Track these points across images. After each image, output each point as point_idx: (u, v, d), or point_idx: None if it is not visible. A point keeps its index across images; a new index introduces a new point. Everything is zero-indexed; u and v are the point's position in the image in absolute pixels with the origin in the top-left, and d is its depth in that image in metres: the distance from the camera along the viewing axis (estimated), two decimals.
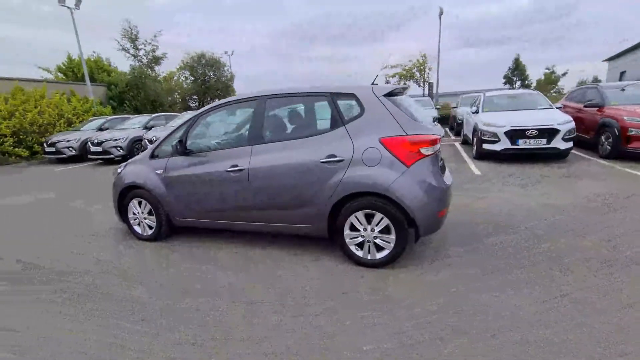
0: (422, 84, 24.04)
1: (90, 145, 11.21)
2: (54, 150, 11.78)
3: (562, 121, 6.84)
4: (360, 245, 2.95)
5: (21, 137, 12.91)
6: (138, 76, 18.77)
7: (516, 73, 36.17)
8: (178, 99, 25.34)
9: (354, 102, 2.94)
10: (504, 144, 7.00)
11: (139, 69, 19.23)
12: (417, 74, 23.88)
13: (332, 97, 3.00)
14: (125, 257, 3.54)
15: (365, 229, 2.88)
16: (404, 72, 23.92)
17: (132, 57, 19.81)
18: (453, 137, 12.64)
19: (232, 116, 3.52)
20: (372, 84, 3.22)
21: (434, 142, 2.80)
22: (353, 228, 2.92)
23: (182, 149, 3.49)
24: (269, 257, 3.28)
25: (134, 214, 3.91)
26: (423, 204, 2.72)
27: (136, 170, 3.84)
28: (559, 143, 6.72)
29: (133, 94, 18.59)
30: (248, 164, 3.19)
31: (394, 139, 2.73)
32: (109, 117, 13.86)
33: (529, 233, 3.47)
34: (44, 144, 12.12)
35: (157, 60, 20.89)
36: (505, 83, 38.86)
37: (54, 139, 11.95)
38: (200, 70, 24.79)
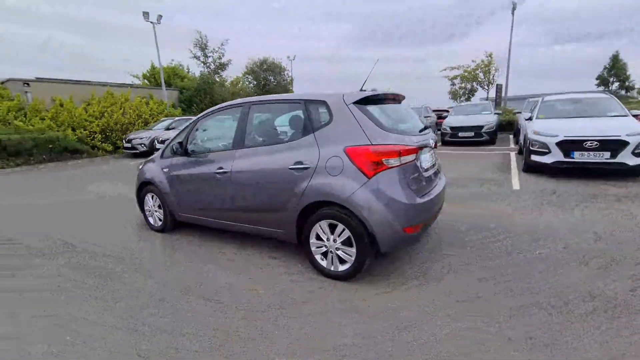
0: (486, 87, 22.02)
1: (156, 142, 12.82)
2: (130, 146, 13.69)
3: (634, 132, 5.68)
4: (325, 255, 2.88)
5: (108, 134, 15.24)
6: (205, 81, 20.73)
7: (613, 73, 30.92)
8: None
9: (324, 110, 2.87)
10: (555, 156, 6.08)
11: (205, 74, 21.24)
12: (481, 75, 21.95)
13: (305, 105, 2.98)
14: (136, 244, 3.97)
15: (328, 239, 2.80)
16: (466, 74, 22.19)
17: (202, 64, 21.95)
18: (513, 146, 11.40)
19: (225, 121, 3.70)
20: (361, 89, 3.12)
21: (403, 153, 2.60)
22: (320, 237, 2.86)
23: (182, 150, 3.79)
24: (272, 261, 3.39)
25: (148, 206, 4.37)
26: (383, 218, 2.54)
27: (151, 167, 4.29)
28: (627, 158, 5.60)
29: (200, 97, 20.59)
30: (231, 167, 3.34)
31: (358, 149, 2.61)
32: (176, 118, 15.57)
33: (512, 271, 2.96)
34: (124, 141, 14.15)
35: (223, 67, 22.82)
36: (598, 85, 33.55)
37: (131, 136, 13.87)
38: (262, 74, 26.32)
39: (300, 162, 2.84)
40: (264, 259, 3.35)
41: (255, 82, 27.25)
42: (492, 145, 11.67)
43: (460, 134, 12.14)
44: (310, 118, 2.92)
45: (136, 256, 3.57)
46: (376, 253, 2.72)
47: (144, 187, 4.37)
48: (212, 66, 22.17)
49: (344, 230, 2.69)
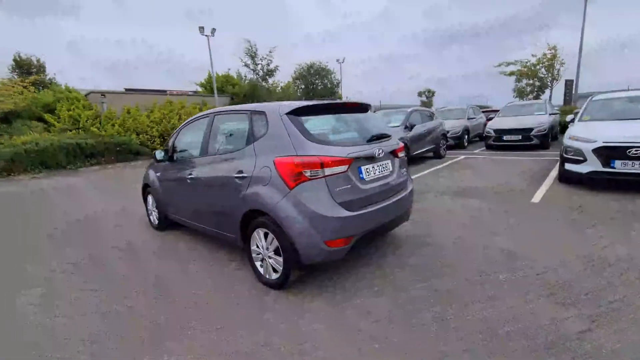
0: (549, 83, 19.47)
1: None
2: None
3: None
4: (263, 262, 2.93)
5: (165, 138, 17.07)
6: (253, 87, 21.97)
7: None
8: None
9: (263, 121, 2.91)
10: (592, 166, 5.21)
11: (253, 81, 22.51)
12: (543, 71, 19.46)
13: (250, 116, 3.06)
14: (135, 238, 4.47)
15: (263, 247, 2.85)
16: (525, 69, 19.89)
17: (252, 71, 23.31)
18: None
19: (198, 130, 3.93)
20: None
21: (327, 164, 2.53)
22: (258, 245, 2.92)
23: (167, 157, 4.16)
24: None
25: (148, 206, 4.87)
26: (302, 230, 2.50)
27: (151, 171, 4.76)
28: None
29: (249, 102, 21.89)
30: (197, 173, 3.58)
31: (283, 159, 2.61)
32: None
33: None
34: None
35: (271, 73, 23.93)
36: None
37: None
38: (310, 79, 26.97)
39: (241, 171, 2.93)
40: (224, 262, 3.51)
41: (303, 87, 28.02)
42: (545, 150, 10.36)
43: (505, 138, 11.01)
44: (253, 128, 2.99)
45: (130, 248, 4.05)
46: (298, 264, 2.67)
47: (146, 188, 4.87)
48: (261, 72, 23.43)
49: (274, 239, 2.71)
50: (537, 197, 5.20)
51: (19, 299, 2.91)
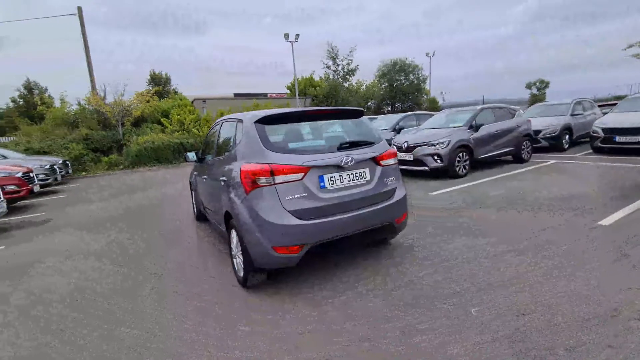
0: None
1: None
2: None
3: None
4: None
5: None
6: (333, 88, 22.48)
7: None
8: (372, 105, 27.87)
9: (241, 128, 3.09)
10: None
11: (332, 81, 23.00)
12: None
13: (236, 123, 3.27)
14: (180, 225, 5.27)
15: (234, 246, 3.05)
16: None
17: (333, 72, 23.86)
18: None
19: (214, 135, 4.31)
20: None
21: (279, 172, 2.58)
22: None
23: (198, 158, 4.74)
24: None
25: (192, 200, 5.64)
26: (252, 234, 2.61)
27: (192, 169, 5.50)
28: None
29: (328, 103, 22.51)
30: (207, 174, 4.02)
31: (245, 166, 2.73)
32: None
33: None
34: None
35: (352, 72, 24.05)
36: None
37: None
38: (395, 76, 26.09)
39: (223, 175, 3.20)
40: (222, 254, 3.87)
41: (387, 84, 27.27)
42: None
43: (618, 139, 8.71)
44: (236, 135, 3.21)
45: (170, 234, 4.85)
46: (252, 267, 2.77)
47: (190, 185, 5.65)
48: (341, 73, 23.79)
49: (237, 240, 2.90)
50: (609, 220, 4.04)
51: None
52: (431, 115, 11.14)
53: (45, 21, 36.00)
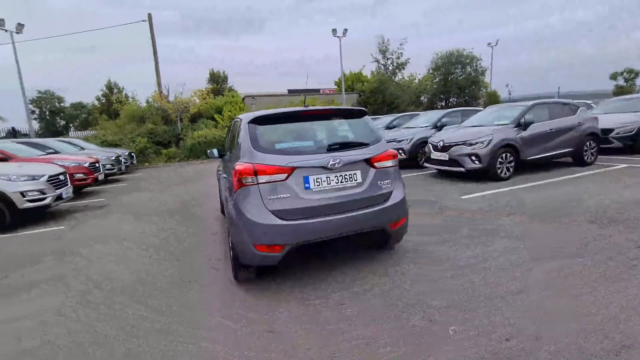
0: None
1: None
2: None
3: None
4: None
5: None
6: (380, 83, 21.85)
7: None
8: (424, 99, 26.53)
9: (240, 128, 3.17)
10: None
11: (380, 75, 22.33)
12: None
13: (239, 122, 3.36)
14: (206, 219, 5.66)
15: (230, 242, 3.18)
16: None
17: (382, 67, 23.18)
18: None
19: (230, 132, 4.49)
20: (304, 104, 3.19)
21: (262, 172, 2.62)
22: None
23: (220, 154, 5.00)
24: None
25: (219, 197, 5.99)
26: (236, 230, 2.70)
27: (218, 166, 5.81)
28: None
29: (374, 98, 21.98)
30: (222, 171, 4.23)
31: (237, 165, 2.80)
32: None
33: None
34: None
35: (402, 66, 23.12)
36: None
37: None
38: (450, 68, 24.52)
39: (227, 172, 3.35)
40: None
41: (441, 77, 25.72)
42: None
43: None
44: (239, 134, 3.31)
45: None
46: (238, 262, 2.85)
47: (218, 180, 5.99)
48: (390, 67, 22.96)
49: None
50: None
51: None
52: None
53: (123, 28, 40.62)
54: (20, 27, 15.06)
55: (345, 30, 20.64)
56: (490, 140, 6.71)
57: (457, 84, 23.94)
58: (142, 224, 5.56)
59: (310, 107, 3.04)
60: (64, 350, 2.25)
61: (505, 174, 6.83)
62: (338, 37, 20.71)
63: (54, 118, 48.84)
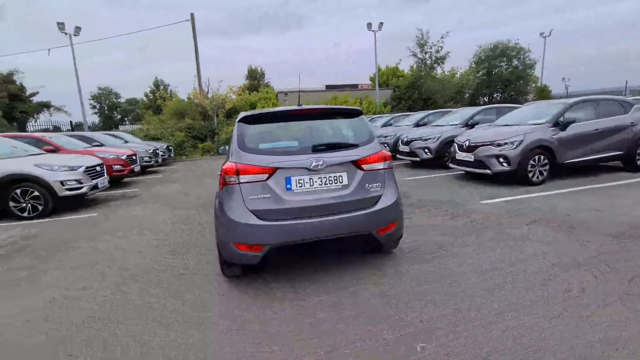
0: None
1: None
2: None
3: None
4: None
5: None
6: (416, 78, 20.99)
7: None
8: (466, 94, 25.11)
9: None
10: None
11: (417, 70, 21.42)
12: None
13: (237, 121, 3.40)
14: None
15: None
16: None
17: (420, 61, 22.25)
18: None
19: None
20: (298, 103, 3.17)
21: (243, 172, 2.64)
22: None
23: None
24: None
25: None
26: (219, 228, 2.75)
27: None
28: None
29: (410, 93, 21.20)
30: None
31: (225, 164, 2.85)
32: (374, 117, 17.28)
33: None
34: None
35: (441, 60, 22.02)
36: None
37: None
38: (493, 61, 22.92)
39: None
40: None
41: (485, 71, 24.12)
42: None
43: None
44: (233, 133, 3.37)
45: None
46: (221, 258, 2.90)
47: None
48: (429, 61, 21.92)
49: None
50: None
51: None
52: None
53: (169, 27, 43.11)
54: (77, 29, 16.64)
55: (381, 24, 20.09)
56: (521, 140, 6.17)
57: (502, 79, 22.26)
58: (166, 214, 5.87)
59: (300, 107, 2.99)
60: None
61: (537, 178, 6.26)
62: (373, 30, 20.23)
63: (111, 112, 53.37)
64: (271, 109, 3.15)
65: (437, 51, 21.68)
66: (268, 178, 2.67)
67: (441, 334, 2.14)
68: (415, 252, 3.49)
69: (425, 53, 22.01)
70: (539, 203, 5.08)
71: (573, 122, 6.38)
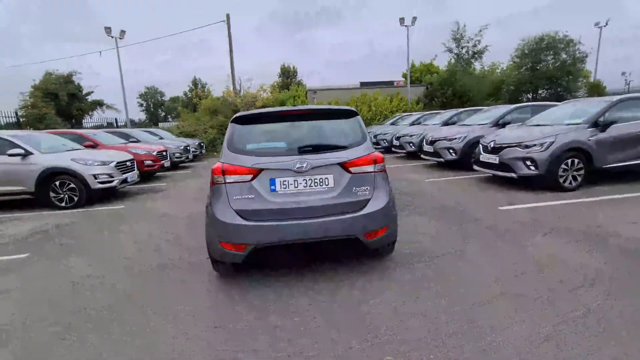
0: None
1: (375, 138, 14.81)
2: None
3: None
4: None
5: None
6: (451, 73, 20.03)
7: None
8: (506, 91, 23.55)
9: None
10: None
11: (452, 66, 20.41)
12: None
13: None
14: None
15: None
16: None
17: (456, 56, 21.19)
18: None
19: None
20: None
21: (228, 172, 2.68)
22: None
23: None
24: None
25: None
26: (207, 226, 2.81)
27: None
28: None
29: (443, 90, 20.29)
30: None
31: (216, 164, 2.91)
32: (402, 115, 16.79)
33: None
34: None
35: (479, 54, 20.81)
36: None
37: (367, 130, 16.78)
38: (538, 55, 21.24)
39: None
40: None
41: (528, 66, 22.40)
42: None
43: None
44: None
45: None
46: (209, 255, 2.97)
47: None
48: (465, 56, 20.75)
49: None
50: None
51: None
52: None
53: (207, 28, 44.95)
54: (122, 33, 17.90)
55: (414, 18, 19.41)
56: (552, 142, 5.68)
57: (548, 74, 20.54)
58: (188, 207, 6.14)
59: (291, 107, 2.99)
60: None
61: (570, 183, 5.74)
62: (406, 25, 19.60)
63: (156, 110, 56.92)
64: (264, 110, 3.17)
65: (475, 45, 20.51)
66: (253, 179, 2.69)
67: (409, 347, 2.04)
68: (394, 259, 3.35)
69: (462, 48, 20.90)
70: (566, 211, 4.65)
71: (615, 122, 5.75)
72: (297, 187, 2.71)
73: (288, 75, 32.93)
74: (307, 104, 20.41)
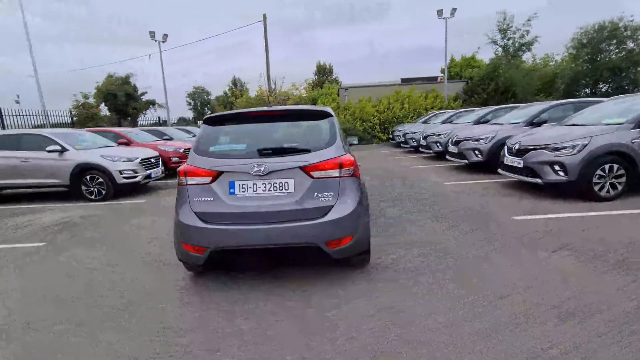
0: None
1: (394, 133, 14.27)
2: (391, 137, 16.19)
3: None
4: None
5: (385, 125, 18.62)
6: (494, 68, 18.55)
7: None
8: (560, 86, 21.30)
9: None
10: None
11: (496, 59, 18.86)
12: None
13: None
14: None
15: None
16: None
17: (501, 48, 19.57)
18: None
19: None
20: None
21: (189, 174, 2.69)
22: None
23: None
24: None
25: None
26: (173, 226, 2.83)
27: None
28: None
29: (484, 86, 18.87)
30: None
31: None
32: (436, 112, 15.94)
33: None
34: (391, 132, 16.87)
35: (527, 46, 19.01)
36: None
37: (397, 128, 16.19)
38: (598, 45, 18.92)
39: None
40: None
41: (587, 58, 20.01)
42: None
43: None
44: None
45: None
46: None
47: None
48: (511, 49, 19.00)
49: None
50: None
51: None
52: None
53: (246, 27, 46.43)
54: (165, 37, 19.08)
55: (454, 9, 18.25)
56: (586, 144, 4.99)
57: (610, 66, 18.14)
58: None
59: (264, 108, 2.91)
60: None
61: (608, 192, 5.01)
62: (444, 18, 18.52)
63: (203, 109, 60.16)
64: (236, 111, 3.14)
65: (522, 36, 18.70)
66: (212, 181, 2.67)
67: None
68: (376, 269, 3.11)
69: (508, 39, 19.18)
70: (594, 225, 4.05)
71: None
72: (256, 191, 2.64)
73: (324, 73, 32.92)
74: (338, 102, 20.22)
